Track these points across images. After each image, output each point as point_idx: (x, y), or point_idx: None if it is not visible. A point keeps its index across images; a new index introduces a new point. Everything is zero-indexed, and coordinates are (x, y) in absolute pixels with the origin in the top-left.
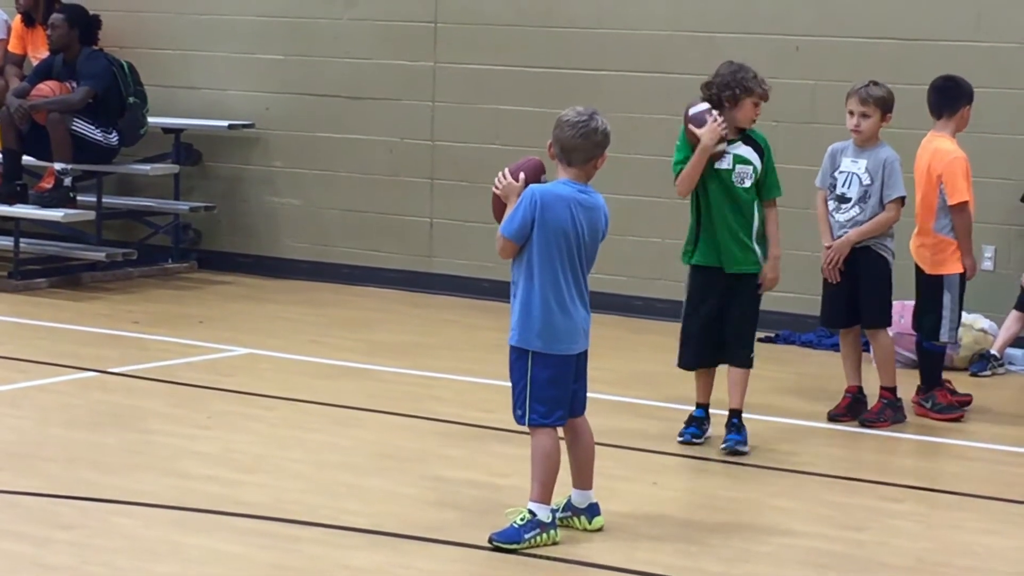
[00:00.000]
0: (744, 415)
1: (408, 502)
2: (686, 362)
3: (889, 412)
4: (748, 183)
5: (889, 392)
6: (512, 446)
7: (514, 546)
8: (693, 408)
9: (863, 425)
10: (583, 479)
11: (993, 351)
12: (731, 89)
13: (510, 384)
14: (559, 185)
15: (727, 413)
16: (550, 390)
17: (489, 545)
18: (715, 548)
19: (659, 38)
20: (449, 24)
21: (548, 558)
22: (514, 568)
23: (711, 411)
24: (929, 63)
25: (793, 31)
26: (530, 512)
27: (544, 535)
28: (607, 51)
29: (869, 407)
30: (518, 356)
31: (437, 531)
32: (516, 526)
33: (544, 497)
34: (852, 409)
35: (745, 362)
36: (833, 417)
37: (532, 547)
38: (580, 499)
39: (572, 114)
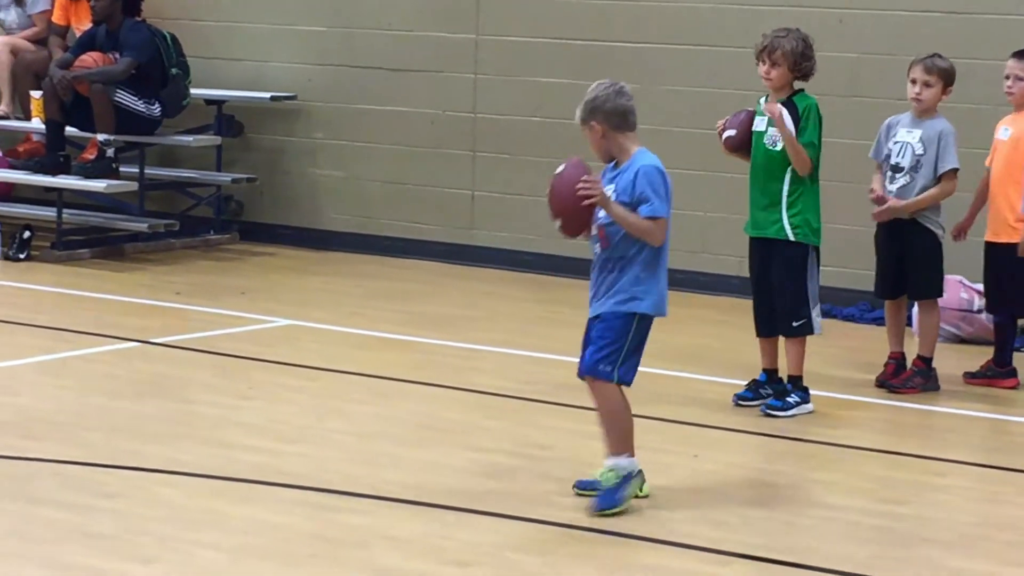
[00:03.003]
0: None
1: (449, 473)
2: (756, 330)
3: (919, 380)
4: (780, 146)
5: (923, 362)
6: (553, 418)
7: (617, 510)
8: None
9: (890, 390)
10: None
11: None
12: None
13: (593, 342)
14: (649, 154)
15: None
16: (639, 352)
17: (594, 515)
18: (756, 521)
19: (701, 10)
20: None
21: (589, 530)
22: (555, 539)
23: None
24: (973, 36)
25: (836, 4)
26: (613, 469)
27: (633, 484)
28: (649, 23)
29: None
30: (617, 317)
31: (478, 502)
32: (609, 488)
33: (624, 448)
34: (898, 375)
35: (791, 331)
36: (882, 383)
37: (627, 505)
38: (630, 464)
39: (606, 85)
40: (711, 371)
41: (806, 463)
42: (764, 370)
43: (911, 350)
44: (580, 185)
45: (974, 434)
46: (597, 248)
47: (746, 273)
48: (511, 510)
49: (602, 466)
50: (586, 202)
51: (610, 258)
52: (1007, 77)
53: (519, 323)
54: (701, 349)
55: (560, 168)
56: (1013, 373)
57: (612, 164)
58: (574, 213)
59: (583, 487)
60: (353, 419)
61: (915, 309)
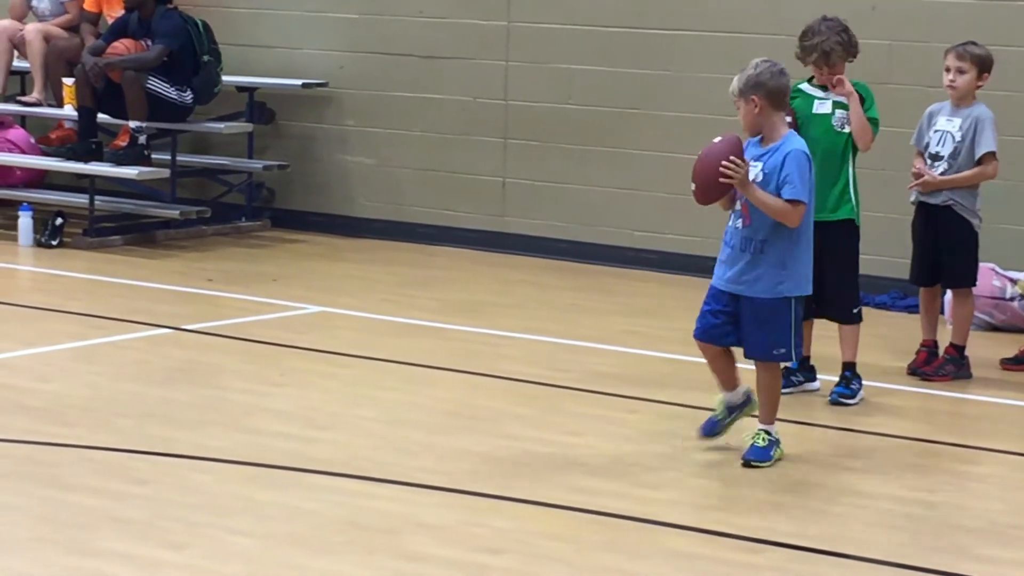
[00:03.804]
0: (820, 376)
1: (481, 460)
2: None
3: (950, 367)
4: (848, 128)
5: (956, 350)
6: (584, 405)
7: (766, 465)
8: None
9: (922, 378)
10: (734, 383)
11: None
12: None
13: (759, 329)
14: (798, 137)
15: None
16: (800, 326)
17: (742, 464)
18: (787, 508)
19: None
20: None
21: (620, 516)
22: (585, 526)
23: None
24: (1007, 23)
25: None
26: (767, 432)
27: (779, 450)
28: (681, 11)
29: None
30: (778, 306)
31: (509, 489)
32: (761, 447)
33: (773, 419)
34: (930, 363)
35: (849, 318)
36: (914, 371)
37: (775, 462)
38: (736, 396)
39: (769, 63)
40: (741, 359)
41: (838, 450)
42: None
43: (943, 338)
44: (725, 163)
45: (1008, 422)
46: (739, 223)
47: None
48: (542, 497)
49: (754, 430)
50: (723, 180)
51: (751, 238)
52: None
53: (550, 310)
54: None
55: (717, 139)
56: None
57: (758, 139)
58: (710, 185)
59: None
60: (384, 406)
61: (947, 297)
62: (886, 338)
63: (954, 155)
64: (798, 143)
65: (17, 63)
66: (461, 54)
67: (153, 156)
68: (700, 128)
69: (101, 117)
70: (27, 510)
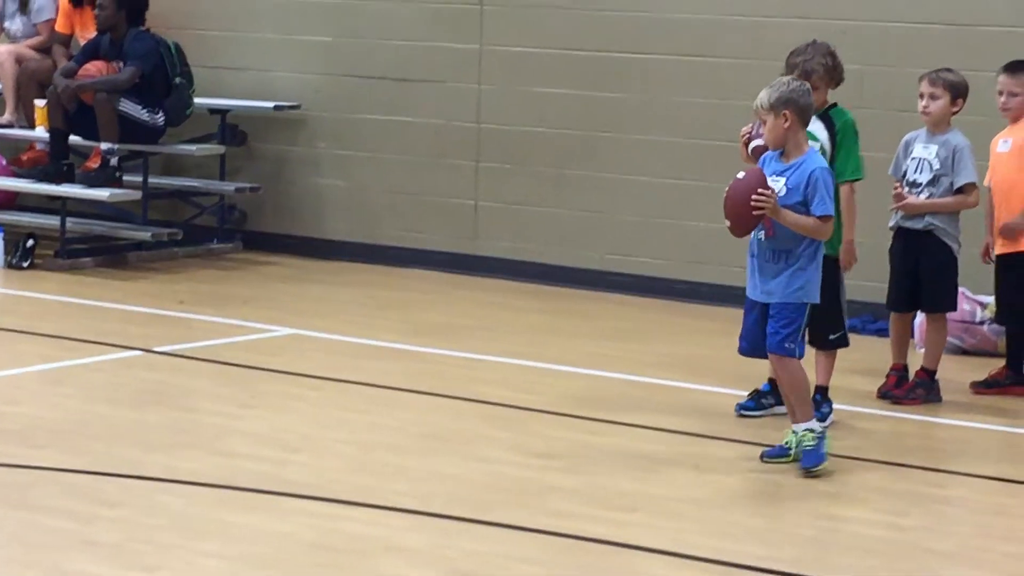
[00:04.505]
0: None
1: (453, 483)
2: None
3: (920, 391)
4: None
5: (926, 374)
6: (557, 428)
7: (823, 466)
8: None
9: (892, 401)
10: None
11: None
12: None
13: (775, 322)
14: (818, 154)
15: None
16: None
17: (804, 475)
18: (759, 532)
19: (704, 22)
20: (496, 7)
21: (595, 540)
22: (560, 549)
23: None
24: (978, 49)
25: (839, 15)
26: (809, 430)
27: (828, 441)
28: (653, 35)
29: None
30: (794, 308)
31: (483, 512)
32: (810, 448)
33: (810, 414)
34: (900, 386)
35: (825, 344)
36: (884, 395)
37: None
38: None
39: (798, 83)
40: (713, 381)
41: (809, 474)
42: (769, 380)
43: (913, 362)
44: (755, 197)
45: (977, 445)
46: (761, 235)
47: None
48: (515, 520)
49: (789, 433)
50: (756, 212)
51: (775, 249)
52: (1000, 93)
53: (522, 333)
54: (703, 359)
55: (740, 175)
56: None
57: (778, 153)
58: (744, 219)
59: (772, 455)
60: (356, 428)
61: (918, 321)
62: (857, 361)
63: (933, 183)
64: (820, 160)
65: None
66: (434, 77)
67: (125, 178)
68: (673, 152)
69: (73, 139)
70: None
